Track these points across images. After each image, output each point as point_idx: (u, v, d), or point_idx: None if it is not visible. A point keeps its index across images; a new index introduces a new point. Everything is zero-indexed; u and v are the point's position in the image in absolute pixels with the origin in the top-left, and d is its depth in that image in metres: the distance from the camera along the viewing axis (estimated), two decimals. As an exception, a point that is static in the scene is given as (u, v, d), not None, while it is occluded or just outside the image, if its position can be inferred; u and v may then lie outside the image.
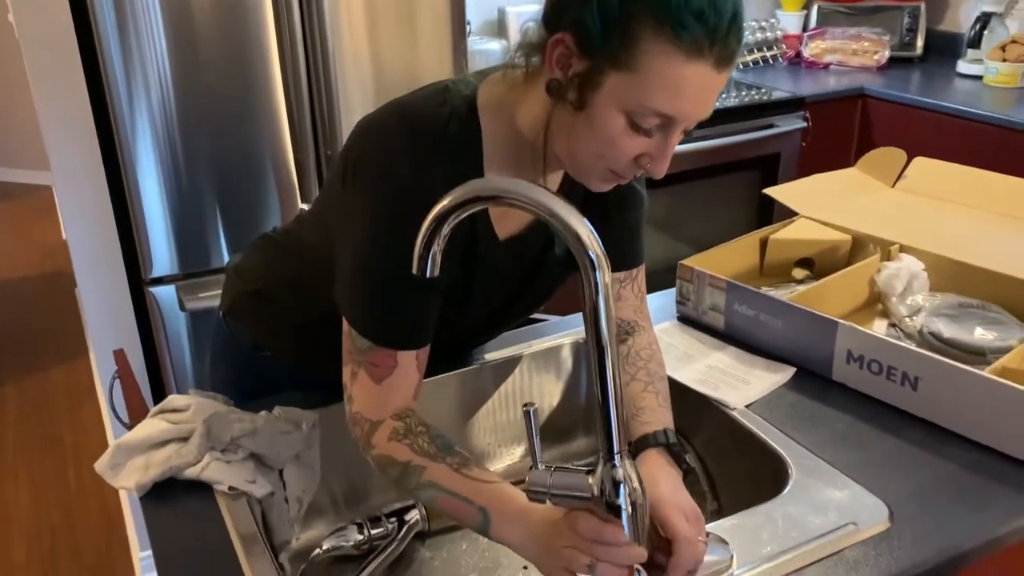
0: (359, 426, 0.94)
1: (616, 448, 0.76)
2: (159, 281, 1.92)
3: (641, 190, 1.07)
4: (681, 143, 2.51)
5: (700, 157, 2.55)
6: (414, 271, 0.72)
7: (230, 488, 1.00)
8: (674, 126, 0.82)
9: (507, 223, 0.99)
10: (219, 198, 1.92)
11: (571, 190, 0.99)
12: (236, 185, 1.92)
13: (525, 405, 0.77)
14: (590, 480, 0.77)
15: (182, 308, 1.92)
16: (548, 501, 0.78)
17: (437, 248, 0.72)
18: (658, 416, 0.97)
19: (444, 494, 0.87)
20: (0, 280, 3.84)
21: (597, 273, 0.71)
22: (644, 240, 1.11)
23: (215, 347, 1.28)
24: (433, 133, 0.89)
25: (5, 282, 3.82)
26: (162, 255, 1.90)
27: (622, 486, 0.76)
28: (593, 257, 0.70)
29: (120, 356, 1.40)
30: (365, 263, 0.92)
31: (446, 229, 0.71)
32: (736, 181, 2.68)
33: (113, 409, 1.43)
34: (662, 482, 0.87)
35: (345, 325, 0.95)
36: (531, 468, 0.78)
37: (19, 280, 3.82)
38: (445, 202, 0.70)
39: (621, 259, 1.08)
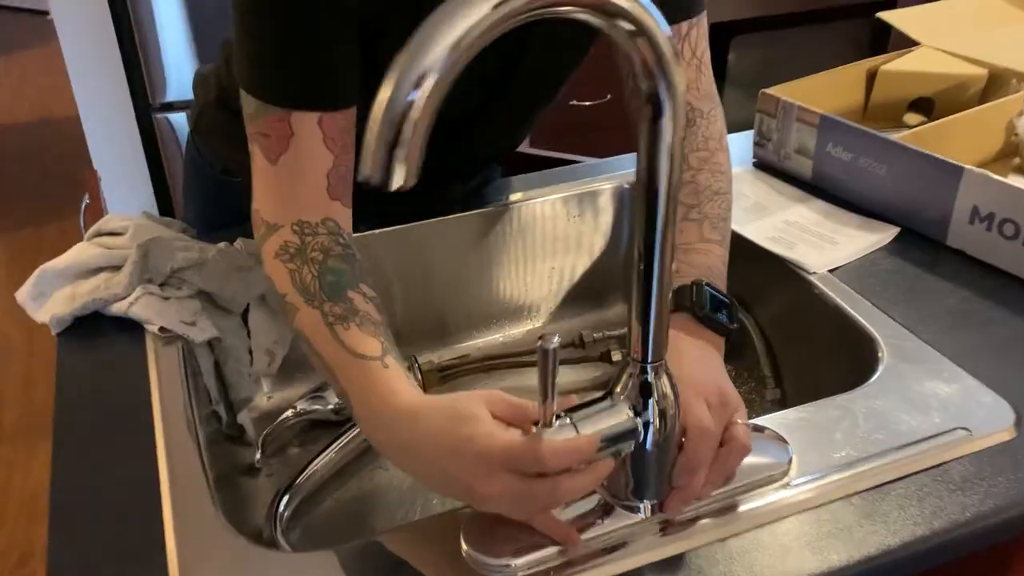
0: (257, 229, 0.71)
1: (651, 357, 0.58)
2: (170, 107, 1.72)
3: None
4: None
5: (795, 0, 2.20)
6: None
7: (161, 329, 0.81)
8: None
9: None
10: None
11: None
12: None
13: (541, 338, 0.52)
14: (627, 413, 0.58)
15: (194, 140, 1.72)
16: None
17: None
18: (697, 257, 0.72)
19: (313, 354, 0.64)
20: (37, 119, 3.72)
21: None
22: None
23: (186, 173, 1.10)
24: None
25: (44, 121, 3.70)
26: (176, 76, 1.69)
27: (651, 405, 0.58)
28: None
29: (92, 177, 1.22)
30: None
31: None
32: (840, 32, 2.33)
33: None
34: (685, 356, 0.64)
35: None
36: (542, 425, 0.55)
37: (62, 120, 3.71)
38: None
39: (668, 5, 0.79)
